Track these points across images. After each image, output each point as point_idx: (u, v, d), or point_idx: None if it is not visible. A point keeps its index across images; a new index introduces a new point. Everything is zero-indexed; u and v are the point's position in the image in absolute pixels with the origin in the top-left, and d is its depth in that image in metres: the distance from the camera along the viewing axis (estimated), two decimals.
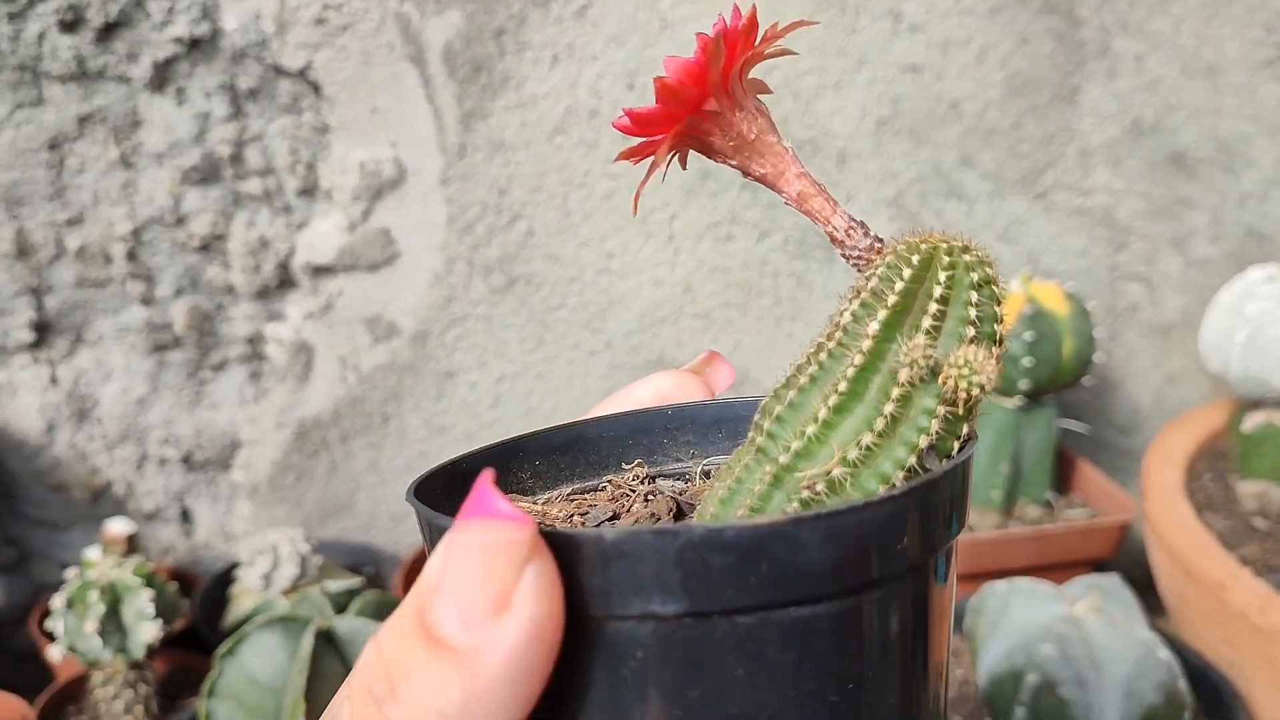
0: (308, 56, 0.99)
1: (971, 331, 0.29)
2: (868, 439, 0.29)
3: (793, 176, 0.34)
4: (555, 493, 0.37)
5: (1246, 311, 1.00)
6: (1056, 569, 1.01)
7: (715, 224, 1.10)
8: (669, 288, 1.11)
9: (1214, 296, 1.07)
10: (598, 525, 0.33)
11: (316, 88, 1.01)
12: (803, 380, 0.30)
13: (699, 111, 0.33)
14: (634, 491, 0.35)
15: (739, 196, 1.09)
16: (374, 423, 1.13)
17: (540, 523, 0.26)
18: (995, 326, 0.30)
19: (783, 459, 0.29)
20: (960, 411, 0.29)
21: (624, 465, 0.38)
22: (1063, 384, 1.05)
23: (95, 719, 0.91)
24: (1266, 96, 1.12)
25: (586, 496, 0.36)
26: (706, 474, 0.37)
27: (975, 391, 0.28)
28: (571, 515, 0.34)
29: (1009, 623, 0.83)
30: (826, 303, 1.13)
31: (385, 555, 1.15)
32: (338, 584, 0.89)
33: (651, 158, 0.33)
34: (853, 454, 0.29)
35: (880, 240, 0.33)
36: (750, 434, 0.31)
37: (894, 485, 0.28)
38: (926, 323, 0.29)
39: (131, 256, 1.04)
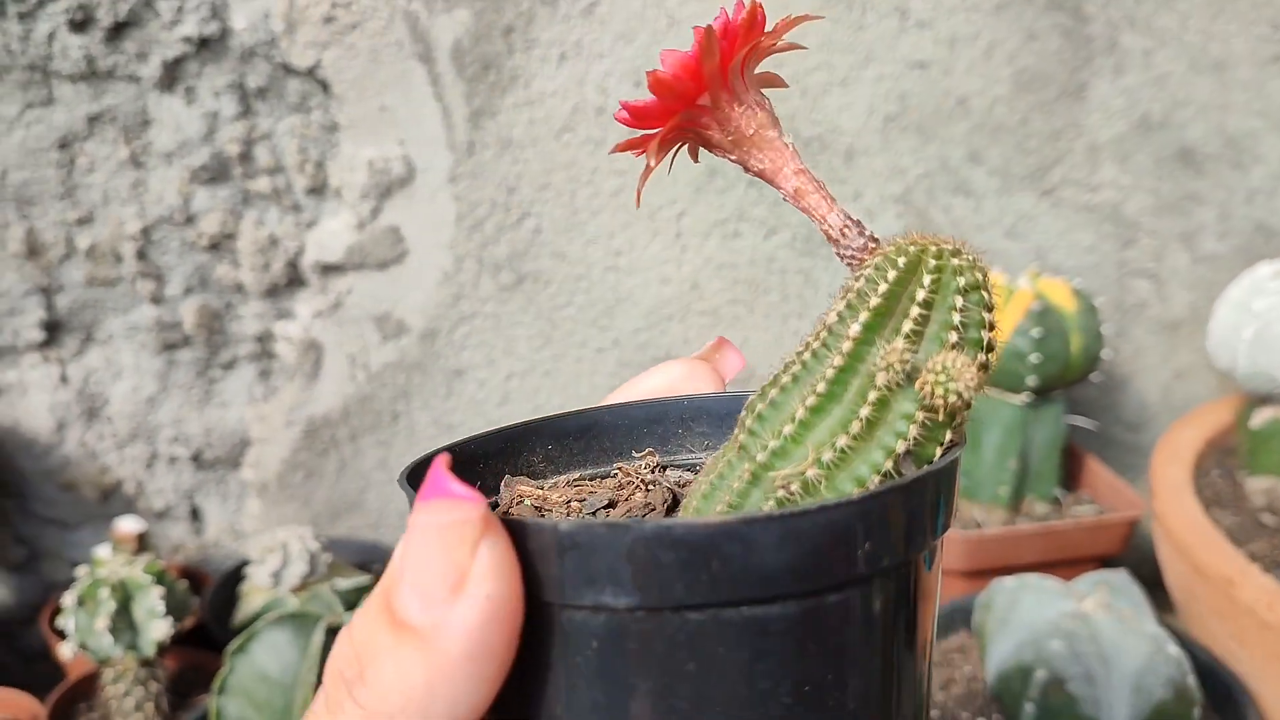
0: (316, 55, 1.00)
1: (954, 337, 0.29)
2: (843, 441, 0.28)
3: (790, 173, 0.34)
4: (564, 478, 0.37)
5: (1254, 307, 0.99)
6: (1065, 565, 1.01)
7: (723, 221, 1.10)
8: (676, 285, 1.12)
9: (1222, 292, 1.07)
10: (593, 513, 0.34)
11: (325, 86, 1.02)
12: (785, 379, 0.30)
13: (695, 105, 0.33)
14: (640, 480, 0.35)
15: (746, 193, 1.09)
16: (383, 421, 1.13)
17: (504, 512, 0.27)
18: (982, 333, 0.29)
19: (760, 457, 0.29)
20: (941, 418, 0.28)
21: (635, 453, 0.38)
22: (1070, 380, 1.04)
23: (106, 717, 0.92)
24: (1274, 92, 1.12)
25: (592, 483, 0.36)
26: None
27: (952, 399, 0.27)
28: (570, 501, 0.34)
29: (1017, 619, 0.83)
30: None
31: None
32: (347, 581, 0.89)
33: (664, 150, 0.33)
34: (827, 456, 0.28)
35: (875, 240, 0.32)
36: (735, 430, 0.31)
37: (868, 489, 0.28)
38: (907, 326, 0.29)
39: (141, 255, 1.04)
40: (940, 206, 1.11)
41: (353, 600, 0.87)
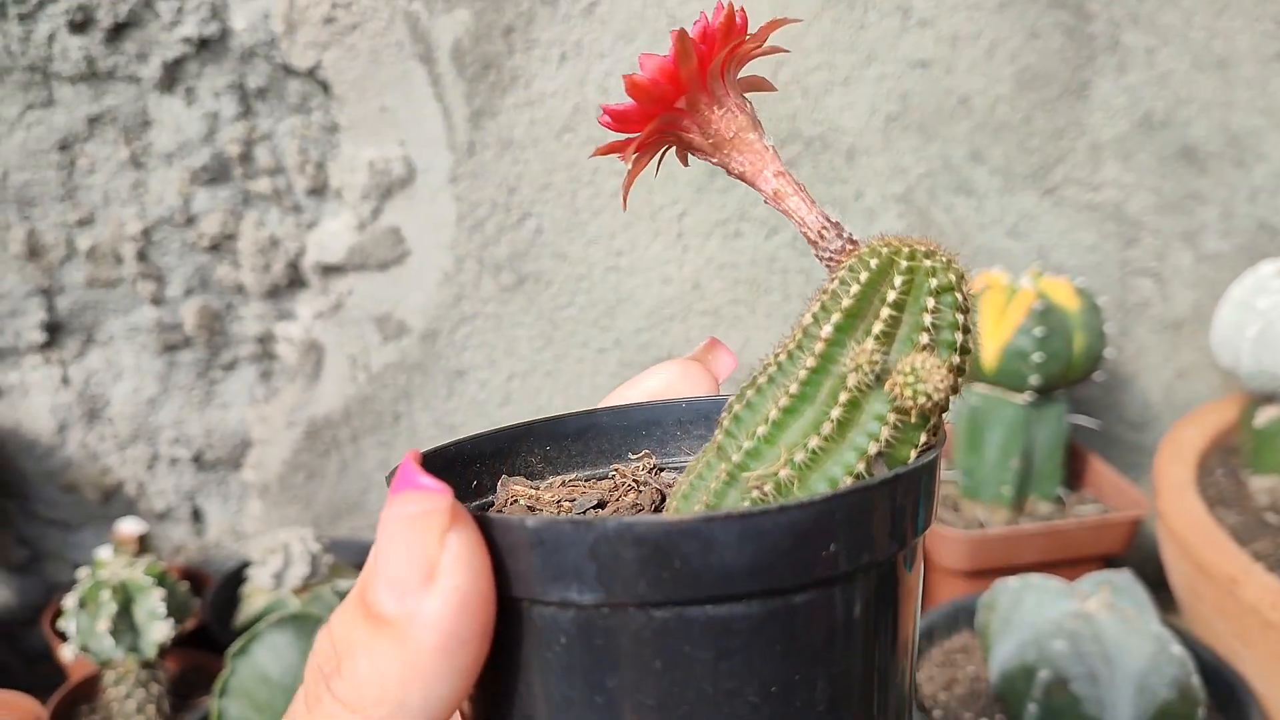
0: (317, 56, 1.00)
1: (925, 338, 0.29)
2: (814, 442, 0.29)
3: (770, 175, 0.34)
4: (560, 479, 0.37)
5: (1258, 306, 0.99)
6: (1068, 565, 1.01)
7: (724, 221, 1.10)
8: (678, 285, 1.11)
9: (1225, 291, 1.06)
10: (583, 512, 0.34)
11: (325, 87, 1.01)
12: (762, 380, 0.31)
13: (674, 109, 0.33)
14: (634, 481, 0.36)
15: (747, 193, 1.09)
16: (384, 421, 1.13)
17: (499, 512, 0.27)
18: (955, 334, 0.29)
19: (735, 458, 0.30)
20: (913, 419, 0.28)
21: (631, 455, 0.38)
22: (1073, 380, 1.04)
23: (108, 718, 0.92)
24: (1277, 90, 1.12)
25: (587, 484, 0.36)
26: None
27: (922, 400, 0.27)
28: (561, 501, 0.35)
29: (1021, 619, 0.83)
30: None
31: None
32: (349, 583, 0.89)
33: (646, 153, 0.34)
34: (799, 456, 0.29)
35: (854, 241, 0.32)
36: (715, 431, 0.32)
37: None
38: (878, 328, 0.29)
39: (142, 256, 1.04)
40: (942, 206, 1.11)
41: None
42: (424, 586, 0.26)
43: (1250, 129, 1.12)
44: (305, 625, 0.81)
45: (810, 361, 0.29)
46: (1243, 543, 0.92)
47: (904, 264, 0.29)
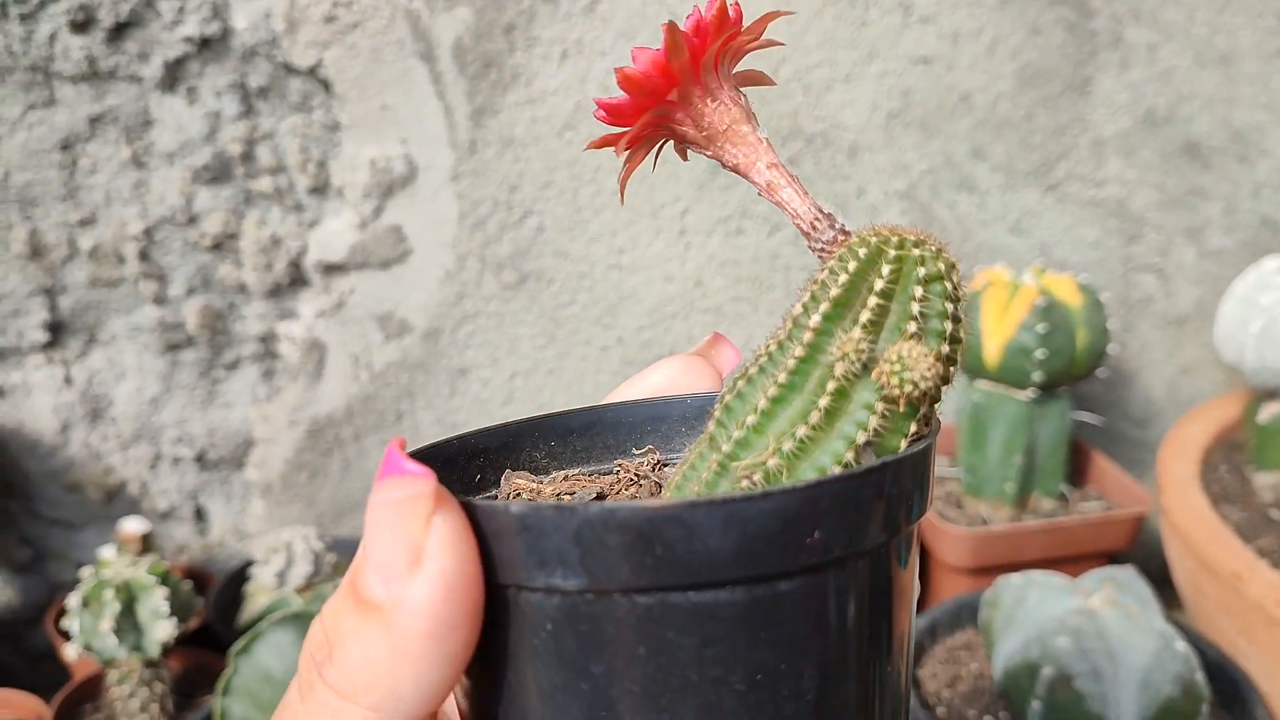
0: (318, 54, 1.00)
1: (913, 327, 0.29)
2: (802, 431, 0.29)
3: (764, 167, 0.34)
4: (563, 473, 0.37)
5: (1261, 302, 0.99)
6: (1071, 562, 1.01)
7: (726, 218, 1.10)
8: (680, 283, 1.11)
9: (1228, 287, 1.06)
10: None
11: (327, 85, 1.01)
12: (753, 371, 0.31)
13: (667, 102, 0.33)
14: (635, 474, 0.36)
15: (749, 190, 1.09)
16: (387, 420, 1.13)
17: (463, 498, 0.27)
18: (944, 324, 0.29)
19: (725, 448, 0.30)
20: (902, 408, 0.28)
21: (635, 450, 0.38)
22: (1076, 376, 1.04)
23: (111, 717, 0.92)
24: None
25: (589, 478, 0.36)
26: None
27: (908, 388, 0.27)
28: (561, 494, 0.35)
29: (1024, 616, 0.83)
30: None
31: None
32: None
33: (640, 147, 0.34)
34: (787, 445, 0.29)
35: (846, 233, 0.32)
36: (708, 422, 0.32)
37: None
38: (865, 317, 0.29)
39: (144, 256, 1.04)
40: (944, 203, 1.11)
41: None
42: (410, 571, 0.26)
43: (1253, 124, 1.12)
44: (308, 624, 0.81)
45: (799, 351, 0.29)
46: (1247, 539, 0.92)
47: (892, 253, 0.29)
